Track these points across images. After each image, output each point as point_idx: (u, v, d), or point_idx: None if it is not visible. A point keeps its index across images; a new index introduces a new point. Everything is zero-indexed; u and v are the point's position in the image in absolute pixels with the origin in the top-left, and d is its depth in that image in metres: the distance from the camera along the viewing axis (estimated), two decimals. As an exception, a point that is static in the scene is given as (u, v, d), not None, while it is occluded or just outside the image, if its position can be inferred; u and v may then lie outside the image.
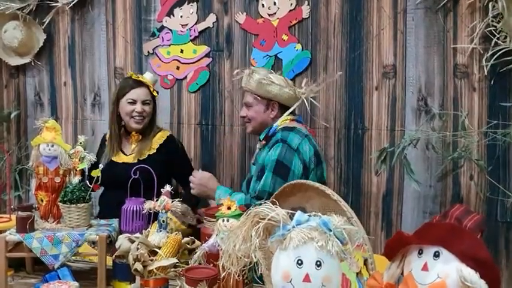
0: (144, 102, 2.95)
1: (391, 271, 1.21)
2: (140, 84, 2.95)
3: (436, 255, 1.12)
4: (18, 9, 3.68)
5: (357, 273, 1.53)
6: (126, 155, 2.99)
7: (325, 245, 1.12)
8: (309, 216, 1.18)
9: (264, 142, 2.76)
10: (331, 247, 1.12)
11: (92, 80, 3.74)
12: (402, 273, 1.21)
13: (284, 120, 2.72)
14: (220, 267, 1.30)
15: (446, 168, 2.87)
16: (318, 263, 1.11)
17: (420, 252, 1.15)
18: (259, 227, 1.16)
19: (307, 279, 1.11)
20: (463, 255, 1.07)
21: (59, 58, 3.81)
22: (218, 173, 3.39)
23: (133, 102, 2.93)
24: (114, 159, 2.98)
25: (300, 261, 1.12)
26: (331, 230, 1.14)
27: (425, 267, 1.12)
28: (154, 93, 3.01)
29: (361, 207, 3.09)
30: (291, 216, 1.20)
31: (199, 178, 2.83)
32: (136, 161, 2.91)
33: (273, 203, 1.20)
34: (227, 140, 3.43)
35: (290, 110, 2.73)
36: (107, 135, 3.10)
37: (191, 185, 2.84)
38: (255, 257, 1.18)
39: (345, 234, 1.15)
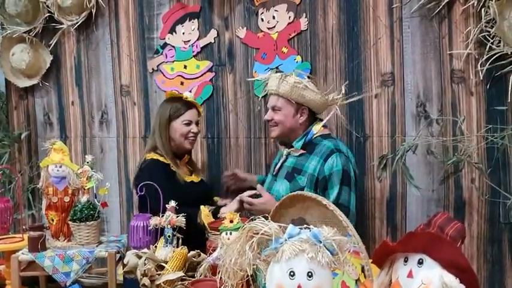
0: (197, 123, 3.01)
1: (381, 279, 1.27)
2: (192, 105, 3.01)
3: (420, 262, 1.17)
4: (25, 32, 3.76)
5: (356, 280, 1.59)
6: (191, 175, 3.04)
7: (315, 256, 1.17)
8: (300, 229, 1.23)
9: (302, 151, 2.71)
10: (321, 258, 1.17)
11: (98, 98, 3.81)
12: (391, 281, 1.26)
13: (320, 128, 2.73)
14: (218, 281, 1.35)
15: (448, 172, 2.88)
16: (310, 273, 1.17)
17: (406, 260, 1.21)
18: (253, 241, 1.22)
19: (299, 289, 1.17)
20: (445, 262, 1.12)
21: (66, 78, 3.88)
22: (225, 185, 3.43)
23: (189, 123, 2.95)
24: (190, 180, 2.98)
25: (292, 273, 1.18)
26: (321, 242, 1.20)
27: (410, 274, 1.18)
28: (200, 112, 3.11)
29: (366, 213, 3.12)
30: (284, 230, 1.25)
31: (259, 205, 2.64)
32: (200, 180, 3.05)
33: (265, 218, 1.26)
34: (233, 152, 3.48)
35: (327, 118, 2.77)
36: (170, 163, 2.94)
37: (250, 206, 2.67)
38: (250, 270, 1.23)
39: (335, 245, 1.20)
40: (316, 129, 2.73)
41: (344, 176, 2.57)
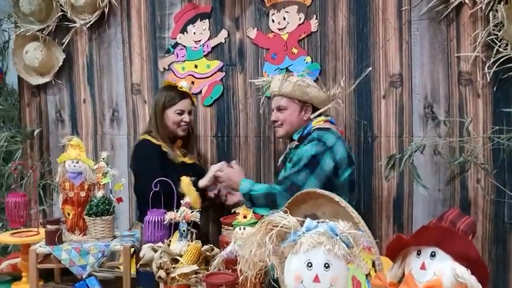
0: (189, 112, 3.17)
1: (394, 271, 1.32)
2: (186, 95, 3.15)
3: (433, 255, 1.23)
4: (38, 30, 3.84)
5: (367, 275, 1.64)
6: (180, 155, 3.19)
7: (332, 248, 1.23)
8: (318, 223, 1.29)
9: (297, 142, 2.81)
10: (337, 250, 1.23)
11: (110, 96, 3.87)
12: (404, 273, 1.32)
13: (318, 121, 2.79)
14: (239, 272, 1.41)
15: (454, 172, 2.93)
16: (326, 265, 1.22)
17: (418, 253, 1.27)
18: (272, 233, 1.28)
19: (316, 280, 1.22)
20: (457, 255, 1.18)
21: (78, 76, 3.95)
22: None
23: (182, 112, 3.12)
24: (184, 160, 3.17)
25: (310, 264, 1.23)
26: (337, 235, 1.25)
27: (423, 267, 1.24)
28: (194, 102, 3.27)
29: (373, 211, 3.17)
30: (301, 223, 1.31)
31: (226, 173, 2.92)
32: (192, 162, 3.21)
33: (285, 212, 1.31)
34: (242, 151, 3.53)
35: (322, 110, 2.80)
36: (161, 145, 3.12)
37: (221, 180, 2.94)
38: (270, 261, 1.29)
39: (351, 239, 1.26)
40: (315, 122, 2.80)
41: (311, 161, 2.63)
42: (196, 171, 3.11)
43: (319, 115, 2.83)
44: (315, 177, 2.62)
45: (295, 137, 2.84)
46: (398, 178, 3.12)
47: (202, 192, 2.99)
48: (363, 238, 1.27)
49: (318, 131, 2.74)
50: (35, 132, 3.98)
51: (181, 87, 3.15)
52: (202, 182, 2.95)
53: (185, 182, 2.87)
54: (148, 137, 3.12)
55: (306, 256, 1.24)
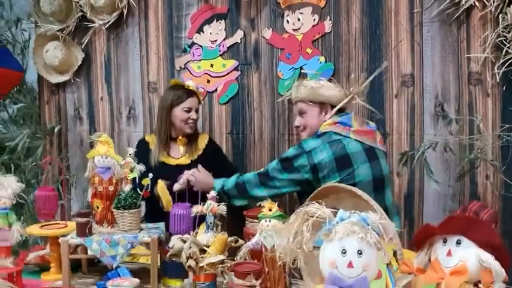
0: (196, 110, 3.23)
1: (420, 258, 1.43)
2: (193, 93, 3.22)
3: (458, 243, 1.34)
4: (58, 30, 3.95)
5: (387, 264, 1.75)
6: (175, 158, 3.23)
7: (365, 237, 1.33)
8: (350, 213, 1.40)
9: None
10: (370, 238, 1.33)
11: (127, 94, 3.98)
12: (429, 260, 1.43)
13: (325, 125, 2.78)
14: (277, 258, 1.51)
15: (464, 169, 3.03)
16: (359, 252, 1.33)
17: (445, 241, 1.37)
18: (309, 223, 1.39)
19: (350, 265, 1.33)
20: (481, 242, 1.29)
21: (96, 75, 4.06)
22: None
23: (189, 110, 3.19)
24: (166, 161, 3.22)
25: (344, 251, 1.34)
26: (369, 225, 1.36)
27: (449, 253, 1.35)
28: (201, 100, 3.33)
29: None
30: (334, 214, 1.41)
31: (198, 178, 2.95)
32: (189, 161, 3.20)
33: (319, 204, 1.42)
34: (257, 148, 3.63)
35: (337, 108, 2.81)
36: (149, 140, 3.34)
37: (192, 183, 2.94)
38: (306, 249, 1.40)
39: (381, 228, 1.36)
40: (323, 126, 2.80)
41: (286, 161, 2.73)
42: (178, 172, 3.08)
43: (338, 112, 2.85)
44: (287, 173, 2.72)
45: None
46: (409, 175, 3.22)
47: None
48: (393, 228, 1.37)
49: (316, 136, 2.76)
50: (56, 129, 4.09)
51: (188, 86, 3.22)
52: (176, 187, 2.96)
53: (160, 185, 3.02)
54: (149, 136, 3.36)
55: (341, 244, 1.34)
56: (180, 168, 3.07)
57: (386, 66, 3.20)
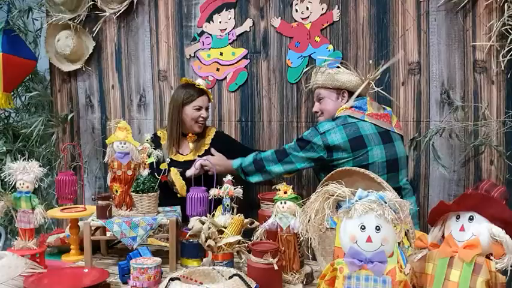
0: (206, 108, 3.32)
1: (434, 233, 1.52)
2: (203, 92, 3.29)
3: (471, 218, 1.42)
4: (69, 19, 4.00)
5: (399, 243, 1.84)
6: (183, 154, 3.32)
7: (382, 213, 1.42)
8: (368, 192, 1.48)
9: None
10: (387, 215, 1.42)
11: (137, 82, 4.05)
12: (442, 236, 1.52)
13: (341, 109, 2.90)
14: (300, 232, 1.60)
15: (469, 154, 3.11)
16: (378, 227, 1.41)
17: (458, 217, 1.46)
18: (329, 201, 1.48)
19: (369, 240, 1.41)
20: (492, 217, 1.38)
21: (107, 63, 4.13)
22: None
23: (200, 108, 3.27)
24: (174, 158, 3.28)
25: (363, 227, 1.42)
26: (386, 202, 1.45)
27: (462, 229, 1.44)
28: (211, 99, 3.40)
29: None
30: (353, 193, 1.50)
31: (213, 161, 3.05)
32: (196, 157, 3.26)
33: (339, 183, 1.51)
34: (266, 135, 3.70)
35: (355, 95, 2.90)
36: (161, 135, 3.43)
37: (208, 167, 3.08)
38: (328, 225, 1.49)
39: (397, 205, 1.45)
40: (339, 111, 2.92)
41: (303, 140, 2.87)
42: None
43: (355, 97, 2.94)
44: (303, 152, 2.86)
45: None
46: (415, 160, 3.30)
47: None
48: (408, 205, 1.46)
49: (331, 119, 2.89)
50: (69, 117, 4.17)
51: (198, 85, 3.28)
52: (189, 172, 3.07)
53: (173, 171, 3.09)
54: (160, 131, 3.44)
55: (360, 220, 1.43)
56: (187, 164, 3.19)
57: (392, 56, 3.28)
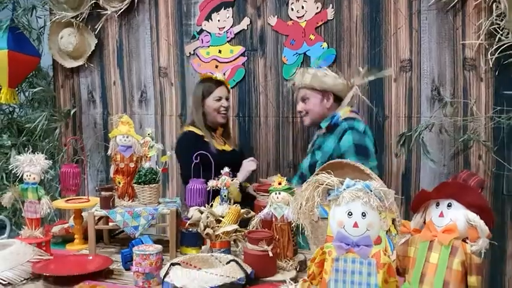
0: (227, 98, 3.38)
1: (416, 220, 1.64)
2: (221, 83, 3.36)
3: (449, 205, 1.54)
4: (72, 17, 4.11)
5: (386, 231, 1.95)
6: (221, 144, 3.38)
7: (368, 201, 1.53)
8: (355, 181, 1.60)
9: (324, 130, 3.00)
10: (372, 202, 1.53)
11: (138, 78, 4.16)
12: (424, 222, 1.63)
13: (345, 112, 2.98)
14: (292, 219, 1.72)
15: (458, 149, 3.21)
16: (363, 214, 1.52)
17: (437, 204, 1.58)
18: (319, 189, 1.59)
19: (355, 225, 1.52)
20: (469, 204, 1.49)
21: (108, 60, 4.24)
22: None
23: (220, 98, 3.33)
24: (224, 149, 3.36)
25: (350, 213, 1.53)
26: (371, 191, 1.56)
27: (441, 215, 1.55)
28: (229, 89, 3.48)
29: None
30: (341, 183, 1.61)
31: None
32: (231, 148, 3.43)
33: (328, 173, 1.62)
34: (262, 130, 3.81)
35: (348, 99, 3.01)
36: (198, 132, 3.33)
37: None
38: (317, 212, 1.60)
39: (382, 194, 1.56)
40: (343, 112, 2.99)
41: (357, 148, 2.83)
42: (235, 158, 3.32)
43: (336, 100, 3.07)
44: (371, 159, 2.86)
45: (324, 125, 3.02)
46: (406, 155, 3.40)
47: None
48: (392, 194, 1.57)
49: (346, 122, 2.92)
50: (72, 112, 4.28)
51: (216, 77, 3.35)
52: (241, 177, 3.20)
53: (233, 185, 3.07)
54: (192, 128, 3.33)
55: (347, 207, 1.54)
56: (226, 154, 3.31)
57: (384, 53, 3.40)
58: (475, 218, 1.46)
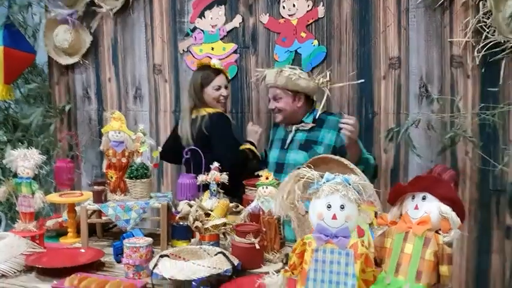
0: (226, 87, 3.42)
1: (393, 212, 1.70)
2: (220, 71, 3.40)
3: (424, 198, 1.60)
4: (68, 15, 4.15)
5: (369, 224, 2.01)
6: None
7: (346, 194, 1.59)
8: (335, 175, 1.66)
9: (312, 124, 3.17)
10: (350, 195, 1.59)
11: (133, 75, 4.22)
12: (400, 214, 1.70)
13: (322, 109, 3.18)
14: (275, 211, 1.78)
15: (445, 145, 3.22)
16: (342, 206, 1.58)
17: (413, 197, 1.64)
18: (300, 183, 1.65)
19: (334, 217, 1.58)
20: (442, 197, 1.56)
21: (103, 57, 4.30)
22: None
23: (219, 88, 3.36)
24: None
25: (329, 206, 1.60)
26: (350, 184, 1.62)
27: (416, 207, 1.61)
28: (228, 77, 3.52)
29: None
30: (321, 176, 1.68)
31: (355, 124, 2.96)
32: None
33: (309, 167, 1.68)
34: (254, 126, 3.85)
35: (323, 101, 3.16)
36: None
37: (349, 131, 2.92)
38: (298, 204, 1.67)
39: (360, 187, 1.62)
40: (320, 108, 3.18)
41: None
42: None
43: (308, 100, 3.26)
44: None
45: (308, 120, 3.20)
46: (395, 151, 3.46)
47: None
48: (371, 187, 1.63)
49: (329, 115, 3.21)
50: (67, 108, 4.34)
51: (214, 65, 3.38)
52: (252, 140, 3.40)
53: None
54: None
55: (326, 200, 1.60)
56: None
57: (373, 51, 3.46)
58: (447, 210, 1.52)
